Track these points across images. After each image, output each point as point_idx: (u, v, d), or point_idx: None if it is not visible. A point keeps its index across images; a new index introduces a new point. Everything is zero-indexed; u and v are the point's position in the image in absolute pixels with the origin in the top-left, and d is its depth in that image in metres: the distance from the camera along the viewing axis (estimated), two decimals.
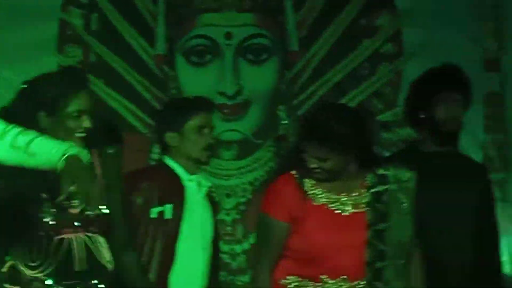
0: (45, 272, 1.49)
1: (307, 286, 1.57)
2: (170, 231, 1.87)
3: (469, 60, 2.77)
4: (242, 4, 2.88)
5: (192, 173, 1.90)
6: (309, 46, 2.89)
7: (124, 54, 2.88)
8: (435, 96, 1.94)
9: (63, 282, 1.49)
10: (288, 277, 1.58)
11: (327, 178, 1.52)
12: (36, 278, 1.49)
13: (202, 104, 1.96)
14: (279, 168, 1.84)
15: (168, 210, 1.87)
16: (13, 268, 1.50)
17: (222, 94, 2.85)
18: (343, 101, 2.78)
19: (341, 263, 1.51)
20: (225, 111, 2.85)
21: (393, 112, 2.85)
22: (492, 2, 2.94)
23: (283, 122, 2.83)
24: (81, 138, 1.44)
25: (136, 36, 2.87)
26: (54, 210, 1.50)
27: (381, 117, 2.87)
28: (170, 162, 1.92)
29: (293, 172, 1.55)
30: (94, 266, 1.52)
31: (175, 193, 1.90)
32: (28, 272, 1.49)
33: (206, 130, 1.89)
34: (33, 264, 1.49)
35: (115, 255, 1.56)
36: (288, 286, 1.56)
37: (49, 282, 1.48)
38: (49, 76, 1.56)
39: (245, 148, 2.88)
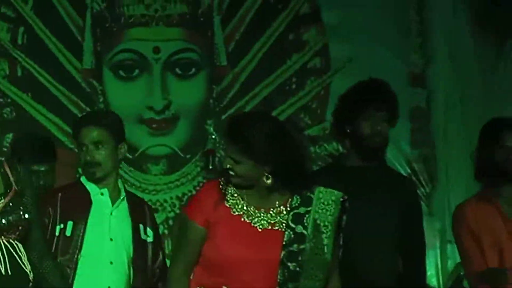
0: None
1: None
2: (70, 248, 1.86)
3: (395, 75, 2.81)
4: (171, 19, 2.89)
5: (102, 187, 1.90)
6: (237, 61, 2.91)
7: (51, 68, 2.86)
8: (360, 111, 1.96)
9: None
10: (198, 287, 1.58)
11: (239, 184, 1.51)
12: None
13: (82, 121, 1.98)
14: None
15: (69, 227, 1.87)
16: None
17: (150, 108, 2.85)
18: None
19: (248, 278, 1.50)
20: (154, 125, 2.85)
21: (321, 126, 2.89)
22: (417, 18, 3.00)
23: (211, 136, 2.84)
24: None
25: (63, 50, 2.86)
26: None
27: (309, 132, 2.89)
28: (82, 178, 1.93)
29: (220, 179, 1.56)
30: (16, 272, 1.48)
31: (79, 209, 1.89)
32: None
33: (84, 147, 1.88)
34: None
35: (32, 264, 1.52)
36: None
37: None
38: None
39: (173, 162, 2.88)
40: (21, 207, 1.50)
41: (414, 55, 2.97)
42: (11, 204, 1.49)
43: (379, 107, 1.95)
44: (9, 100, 2.82)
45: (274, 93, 2.91)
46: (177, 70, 2.88)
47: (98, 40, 2.87)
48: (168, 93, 2.87)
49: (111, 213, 1.91)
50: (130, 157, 2.68)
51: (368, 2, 2.94)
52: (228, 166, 1.50)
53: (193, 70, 2.90)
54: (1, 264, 1.45)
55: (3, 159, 1.50)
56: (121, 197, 1.93)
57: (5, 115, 2.82)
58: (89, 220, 1.88)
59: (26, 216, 1.49)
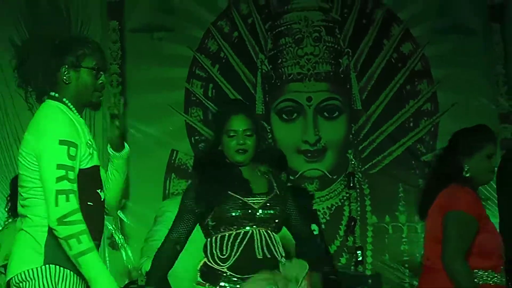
0: (229, 264, 1.76)
1: (493, 277, 1.96)
2: None
3: (488, 114, 3.78)
4: (319, 76, 3.92)
5: None
6: (369, 105, 3.91)
7: None
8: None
9: (242, 276, 1.74)
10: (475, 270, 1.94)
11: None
12: (223, 273, 1.78)
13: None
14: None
15: None
16: (205, 265, 1.83)
17: (306, 142, 3.86)
18: (395, 147, 3.82)
19: (502, 261, 1.99)
20: (308, 155, 3.86)
21: (432, 154, 3.85)
22: (503, 71, 3.95)
23: (351, 162, 3.82)
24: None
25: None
26: (240, 205, 1.79)
27: (423, 158, 3.87)
28: None
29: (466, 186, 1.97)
30: (269, 258, 1.76)
31: None
32: (217, 266, 1.77)
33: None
34: (222, 257, 1.77)
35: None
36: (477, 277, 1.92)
37: (234, 279, 1.77)
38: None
39: (324, 182, 3.87)
40: (279, 205, 1.84)
41: (501, 99, 3.94)
42: (271, 202, 1.82)
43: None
44: (203, 137, 3.86)
45: (397, 130, 3.90)
46: (325, 113, 3.89)
47: (266, 93, 3.92)
48: (318, 130, 3.87)
49: None
50: (292, 178, 3.68)
51: (466, 61, 3.92)
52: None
53: (337, 113, 3.91)
54: (258, 249, 1.77)
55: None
56: None
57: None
58: None
59: (282, 212, 1.84)
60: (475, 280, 1.94)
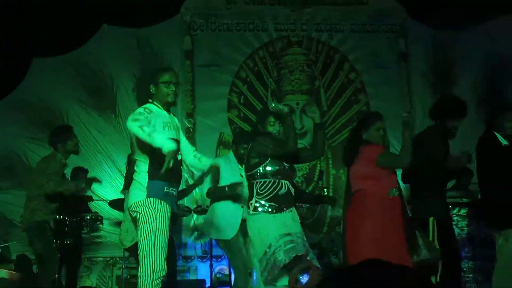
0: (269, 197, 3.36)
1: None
2: None
3: None
4: (303, 91, 6.97)
5: None
6: (331, 108, 6.96)
7: None
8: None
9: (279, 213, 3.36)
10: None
11: None
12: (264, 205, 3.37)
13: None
14: None
15: None
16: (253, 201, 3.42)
17: None
18: (345, 131, 6.81)
19: None
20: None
21: None
22: None
23: None
24: None
25: None
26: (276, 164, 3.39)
27: None
28: None
29: None
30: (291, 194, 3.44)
31: None
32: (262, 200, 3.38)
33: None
34: (264, 193, 3.37)
35: None
36: None
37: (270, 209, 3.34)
38: None
39: None
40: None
41: (403, 111, 6.97)
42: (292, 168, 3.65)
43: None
44: (238, 126, 6.86)
45: (346, 121, 6.90)
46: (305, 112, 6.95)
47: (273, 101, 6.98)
48: (302, 122, 6.88)
49: None
50: None
51: (386, 83, 6.99)
52: None
53: None
54: (284, 189, 3.44)
55: None
56: None
57: None
58: None
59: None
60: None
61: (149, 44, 6.83)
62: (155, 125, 3.27)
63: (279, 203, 3.44)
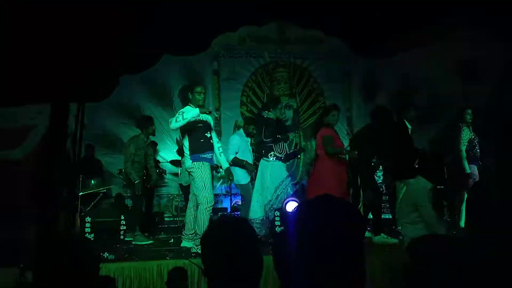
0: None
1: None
2: None
3: None
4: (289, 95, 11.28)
5: None
6: (308, 110, 11.29)
7: None
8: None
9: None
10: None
11: None
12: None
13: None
14: None
15: None
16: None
17: None
18: (312, 119, 11.15)
19: None
20: None
21: None
22: None
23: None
24: None
25: None
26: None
27: None
28: None
29: None
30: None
31: None
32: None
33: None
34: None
35: None
36: None
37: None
38: None
39: None
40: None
41: (347, 113, 11.34)
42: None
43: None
44: (247, 117, 11.09)
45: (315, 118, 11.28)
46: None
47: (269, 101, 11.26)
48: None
49: None
50: None
51: (336, 91, 11.34)
52: None
53: (294, 113, 11.30)
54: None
55: None
56: None
57: None
58: None
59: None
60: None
61: (192, 67, 10.82)
62: (186, 118, 4.85)
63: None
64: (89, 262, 2.30)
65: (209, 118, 5.44)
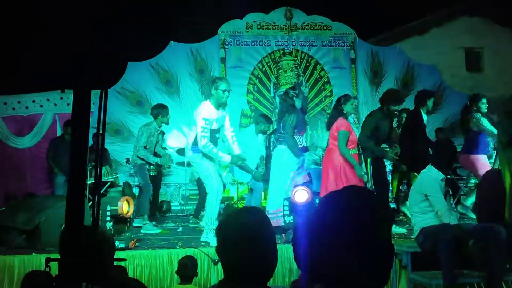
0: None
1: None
2: None
3: None
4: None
5: None
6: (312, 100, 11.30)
7: None
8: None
9: None
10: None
11: None
12: None
13: None
14: None
15: None
16: None
17: None
18: (319, 108, 11.17)
19: None
20: None
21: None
22: None
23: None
24: None
25: None
26: None
27: (328, 111, 11.22)
28: None
29: None
30: None
31: None
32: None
33: None
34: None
35: None
36: None
37: None
38: None
39: None
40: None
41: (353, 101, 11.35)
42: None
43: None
44: (252, 111, 11.11)
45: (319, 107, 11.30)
46: None
47: (275, 90, 11.25)
48: None
49: None
50: None
51: (343, 79, 11.35)
52: None
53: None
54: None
55: None
56: None
57: None
58: None
59: None
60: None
61: (199, 54, 10.85)
62: (216, 154, 5.19)
63: None
64: (105, 251, 2.32)
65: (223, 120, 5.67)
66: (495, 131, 5.99)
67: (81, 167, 1.35)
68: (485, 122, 6.30)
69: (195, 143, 5.35)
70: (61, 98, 10.52)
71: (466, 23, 11.98)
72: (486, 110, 6.46)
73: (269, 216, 6.13)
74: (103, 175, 8.07)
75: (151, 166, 7.41)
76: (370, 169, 5.97)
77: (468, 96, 7.00)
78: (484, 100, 6.44)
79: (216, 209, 5.35)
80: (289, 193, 6.09)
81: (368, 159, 6.04)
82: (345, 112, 5.92)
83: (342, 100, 6.00)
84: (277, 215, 5.94)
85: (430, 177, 4.60)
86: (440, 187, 4.54)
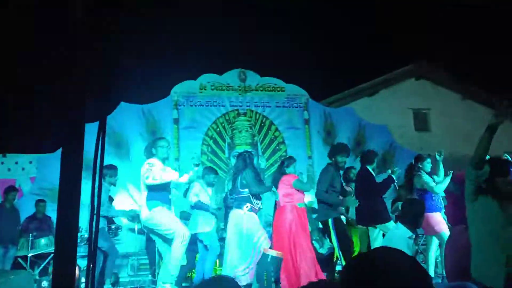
0: None
1: None
2: None
3: None
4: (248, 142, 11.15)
5: None
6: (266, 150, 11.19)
7: None
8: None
9: None
10: None
11: None
12: None
13: None
14: None
15: None
16: None
17: None
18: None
19: None
20: None
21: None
22: None
23: None
24: None
25: None
26: None
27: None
28: None
29: None
30: None
31: None
32: None
33: None
34: None
35: None
36: None
37: None
38: None
39: None
40: None
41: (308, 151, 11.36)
42: None
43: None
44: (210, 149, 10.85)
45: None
46: None
47: (229, 147, 11.07)
48: None
49: None
50: None
51: (300, 137, 11.36)
52: None
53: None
54: None
55: None
56: None
57: None
58: None
59: None
60: None
61: (151, 114, 10.63)
62: (165, 179, 5.30)
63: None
64: None
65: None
66: (436, 189, 6.36)
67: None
68: (428, 179, 6.51)
69: (148, 193, 5.43)
70: (2, 163, 9.81)
71: (413, 85, 12.50)
72: (430, 170, 6.71)
73: (240, 273, 5.77)
74: (45, 246, 7.39)
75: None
76: (334, 231, 5.91)
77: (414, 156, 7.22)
78: (429, 160, 6.71)
79: (179, 258, 5.07)
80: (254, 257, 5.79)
81: (329, 220, 6.01)
82: (287, 173, 6.42)
83: (285, 163, 6.56)
84: (249, 268, 5.87)
85: (398, 234, 4.52)
86: (408, 245, 4.41)
